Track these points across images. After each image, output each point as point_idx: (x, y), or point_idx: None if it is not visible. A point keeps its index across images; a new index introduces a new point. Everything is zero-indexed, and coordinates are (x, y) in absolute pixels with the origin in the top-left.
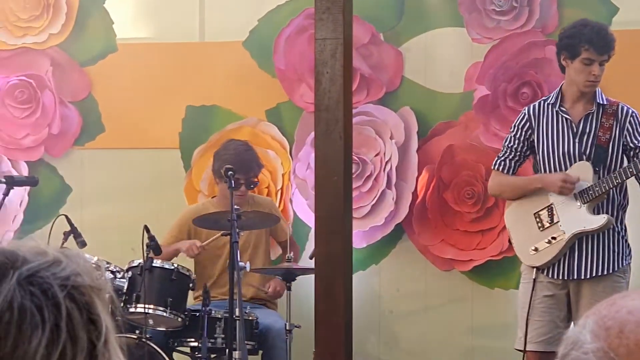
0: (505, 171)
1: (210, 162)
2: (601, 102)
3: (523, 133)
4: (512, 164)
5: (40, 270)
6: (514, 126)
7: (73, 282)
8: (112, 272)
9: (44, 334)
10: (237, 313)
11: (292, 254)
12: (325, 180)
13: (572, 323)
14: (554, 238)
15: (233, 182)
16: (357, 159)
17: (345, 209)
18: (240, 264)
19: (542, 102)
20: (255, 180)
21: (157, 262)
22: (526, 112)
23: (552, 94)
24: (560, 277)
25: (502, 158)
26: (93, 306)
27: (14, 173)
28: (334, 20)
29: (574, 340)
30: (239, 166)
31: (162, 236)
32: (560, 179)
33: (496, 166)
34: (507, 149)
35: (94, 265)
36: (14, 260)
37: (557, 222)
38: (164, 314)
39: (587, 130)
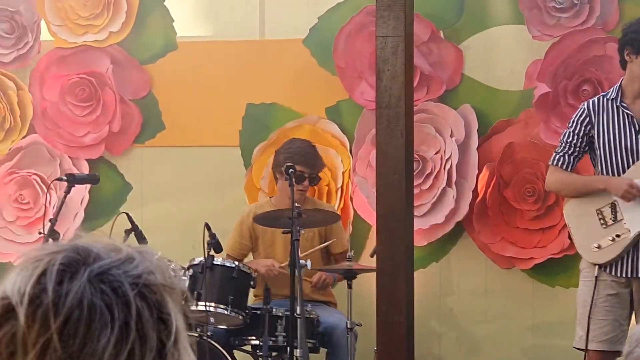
0: (564, 167)
1: (270, 160)
2: None
3: (582, 128)
4: (571, 160)
5: (111, 267)
6: (573, 121)
7: (144, 281)
8: (173, 270)
9: (113, 332)
10: (298, 311)
11: (352, 253)
12: (386, 178)
13: (635, 321)
14: (617, 236)
15: (294, 179)
16: (417, 156)
17: (406, 206)
18: (301, 262)
19: (601, 97)
20: (319, 177)
21: (218, 260)
22: (585, 107)
23: (611, 90)
24: (624, 275)
25: (561, 153)
26: (164, 305)
27: (75, 171)
28: (395, 18)
29: (638, 338)
30: (304, 161)
31: (223, 235)
32: (627, 184)
33: (554, 162)
34: (565, 144)
35: (168, 264)
36: (86, 256)
37: (621, 219)
38: (225, 312)
39: None
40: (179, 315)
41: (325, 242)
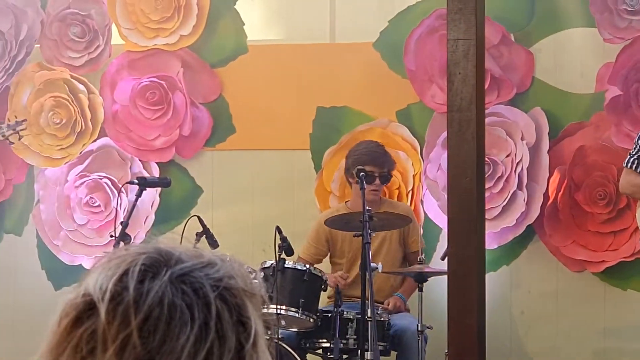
0: (639, 170)
1: (341, 164)
2: None
3: None
4: None
5: (193, 270)
6: None
7: (225, 284)
8: (254, 277)
9: (192, 331)
10: (369, 314)
11: (423, 256)
12: (457, 181)
13: None
14: None
15: (364, 180)
16: (488, 160)
17: (477, 210)
18: (373, 265)
19: None
20: (390, 175)
21: (289, 263)
22: None
23: None
24: None
25: (635, 156)
26: (244, 309)
27: (146, 174)
28: (466, 21)
29: None
30: (372, 160)
31: (294, 238)
32: None
33: (628, 164)
34: None
35: (249, 271)
36: (168, 258)
37: None
38: (296, 314)
39: None
40: (259, 320)
41: (403, 241)
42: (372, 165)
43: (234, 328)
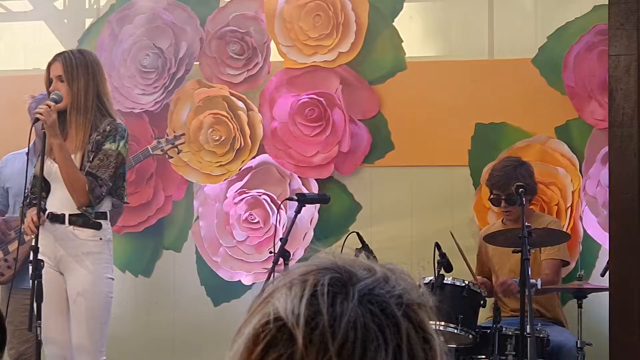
0: None
1: None
2: None
3: None
4: None
5: (375, 287)
6: None
7: (406, 300)
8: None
9: (387, 355)
10: (528, 330)
11: (582, 272)
12: (619, 198)
13: None
14: None
15: (524, 199)
16: None
17: (639, 225)
18: (532, 281)
19: None
20: (516, 196)
21: (448, 279)
22: None
23: None
24: None
25: None
26: (424, 325)
27: (304, 191)
28: (628, 37)
29: None
30: (493, 184)
31: (452, 255)
32: None
33: None
34: None
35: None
36: (349, 276)
37: None
38: (455, 330)
39: None
40: (436, 333)
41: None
42: (496, 189)
43: (422, 347)
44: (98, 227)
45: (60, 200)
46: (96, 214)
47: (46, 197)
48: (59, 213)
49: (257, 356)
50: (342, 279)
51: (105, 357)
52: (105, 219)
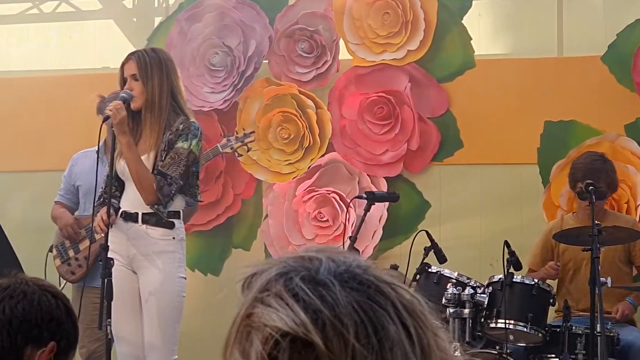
0: None
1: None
2: None
3: None
4: None
5: (335, 269)
6: None
7: (362, 264)
8: (473, 287)
9: (391, 315)
10: (598, 329)
11: None
12: None
13: None
14: None
15: (594, 196)
16: None
17: None
18: (602, 279)
19: None
20: (605, 191)
21: (517, 278)
22: None
23: None
24: None
25: None
26: (384, 275)
27: (373, 189)
28: None
29: None
30: (585, 176)
31: (522, 253)
32: None
33: None
34: None
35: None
36: (307, 269)
37: None
38: (525, 329)
39: None
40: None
41: (628, 255)
42: (589, 179)
43: (405, 293)
44: (171, 226)
45: (133, 199)
46: (169, 213)
47: (120, 196)
48: (132, 212)
49: None
50: (306, 274)
51: (177, 356)
52: (178, 218)
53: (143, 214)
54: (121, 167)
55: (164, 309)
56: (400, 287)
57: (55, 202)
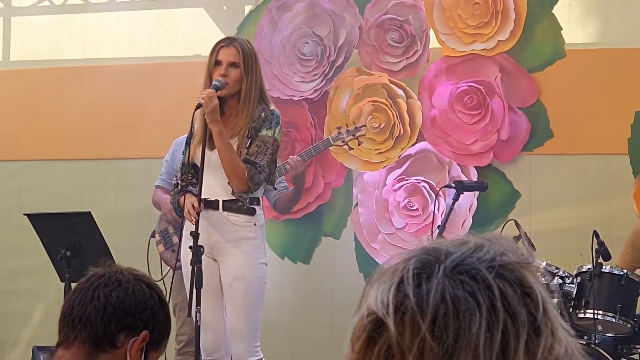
0: None
1: None
2: None
3: None
4: None
5: (464, 258)
6: None
7: (499, 262)
8: (561, 277)
9: (482, 317)
10: None
11: None
12: None
13: None
14: None
15: None
16: None
17: None
18: None
19: None
20: None
21: (606, 268)
22: None
23: None
24: None
25: None
26: (524, 280)
27: (463, 178)
28: None
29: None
30: None
31: (611, 243)
32: None
33: None
34: None
35: (516, 244)
36: (437, 255)
37: None
38: (613, 319)
39: None
40: (541, 287)
41: None
42: None
43: (521, 301)
44: (252, 212)
45: (213, 187)
46: (250, 200)
47: (196, 184)
48: (212, 199)
49: (360, 353)
50: (429, 259)
51: (259, 343)
52: (258, 204)
53: (224, 201)
54: (198, 155)
55: (248, 294)
56: (525, 290)
57: (156, 186)
